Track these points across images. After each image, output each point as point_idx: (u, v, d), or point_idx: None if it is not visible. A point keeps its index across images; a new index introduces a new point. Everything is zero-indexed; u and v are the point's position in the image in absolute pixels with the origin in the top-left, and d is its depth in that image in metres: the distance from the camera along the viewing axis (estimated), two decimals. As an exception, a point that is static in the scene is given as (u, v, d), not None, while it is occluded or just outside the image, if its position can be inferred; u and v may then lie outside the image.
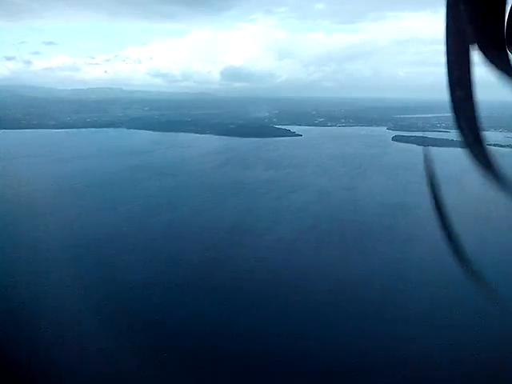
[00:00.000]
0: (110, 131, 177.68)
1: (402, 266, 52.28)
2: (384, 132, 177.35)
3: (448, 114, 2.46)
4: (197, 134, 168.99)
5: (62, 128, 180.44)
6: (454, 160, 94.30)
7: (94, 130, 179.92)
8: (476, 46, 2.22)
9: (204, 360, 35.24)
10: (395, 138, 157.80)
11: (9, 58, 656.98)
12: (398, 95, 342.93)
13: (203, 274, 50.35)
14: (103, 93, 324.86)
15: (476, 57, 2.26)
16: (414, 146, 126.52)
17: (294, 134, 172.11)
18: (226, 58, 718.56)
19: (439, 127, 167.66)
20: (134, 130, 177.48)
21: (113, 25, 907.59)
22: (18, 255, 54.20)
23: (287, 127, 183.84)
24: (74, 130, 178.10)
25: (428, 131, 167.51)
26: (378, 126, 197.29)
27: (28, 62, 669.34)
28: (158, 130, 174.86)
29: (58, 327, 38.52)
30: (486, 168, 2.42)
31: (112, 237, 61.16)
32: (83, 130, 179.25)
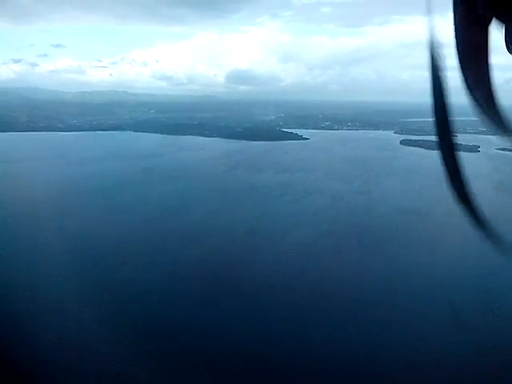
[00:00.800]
0: (118, 134, 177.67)
1: (425, 271, 51.96)
2: (391, 136, 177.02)
3: (455, 118, 2.46)
4: (204, 138, 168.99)
5: (69, 131, 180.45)
6: (464, 164, 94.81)
7: (101, 132, 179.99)
8: (492, 26, 2.19)
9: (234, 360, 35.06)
10: (403, 142, 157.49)
11: (16, 61, 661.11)
12: (403, 98, 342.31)
13: (226, 278, 50.06)
14: (108, 95, 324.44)
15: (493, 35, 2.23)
16: (423, 150, 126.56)
17: (301, 138, 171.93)
18: (231, 61, 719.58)
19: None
20: (141, 133, 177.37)
21: (119, 27, 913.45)
22: (38, 257, 54.07)
23: (294, 130, 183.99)
24: (82, 132, 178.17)
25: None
26: (384, 129, 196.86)
27: (34, 65, 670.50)
28: (165, 133, 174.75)
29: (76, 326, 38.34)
30: (502, 130, 2.37)
31: (131, 239, 60.93)
32: (90, 132, 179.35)
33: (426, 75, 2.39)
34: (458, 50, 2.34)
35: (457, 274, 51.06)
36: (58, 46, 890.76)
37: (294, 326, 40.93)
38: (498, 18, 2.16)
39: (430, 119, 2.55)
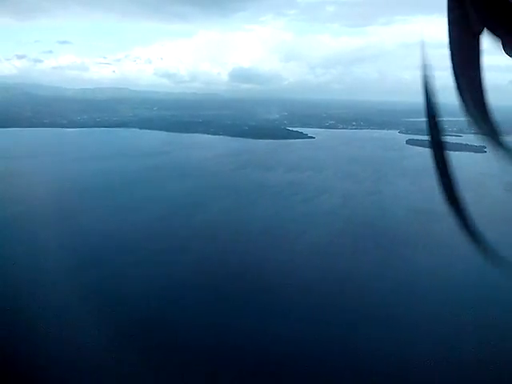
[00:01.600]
0: (123, 131, 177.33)
1: (441, 272, 51.91)
2: (396, 135, 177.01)
3: (459, 118, 2.57)
4: (210, 135, 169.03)
5: (73, 127, 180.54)
6: (467, 164, 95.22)
7: (106, 129, 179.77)
8: (484, 31, 2.23)
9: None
10: (409, 142, 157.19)
11: (19, 57, 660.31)
12: (404, 98, 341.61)
13: (245, 276, 49.95)
14: (111, 92, 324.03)
15: (484, 43, 2.27)
16: (430, 149, 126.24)
17: (306, 137, 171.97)
18: (234, 59, 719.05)
19: (451, 131, 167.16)
20: (147, 131, 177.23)
21: (123, 24, 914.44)
22: (53, 254, 53.93)
23: (299, 129, 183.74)
24: (86, 129, 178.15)
25: (449, 135, 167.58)
26: (389, 129, 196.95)
27: (38, 61, 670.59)
28: (170, 131, 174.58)
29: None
30: (492, 139, 2.42)
31: (149, 237, 60.76)
32: (95, 129, 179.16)
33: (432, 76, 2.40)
34: (451, 56, 2.35)
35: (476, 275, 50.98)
36: (64, 42, 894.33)
37: (317, 325, 40.86)
38: (487, 27, 2.18)
39: (443, 119, 2.54)
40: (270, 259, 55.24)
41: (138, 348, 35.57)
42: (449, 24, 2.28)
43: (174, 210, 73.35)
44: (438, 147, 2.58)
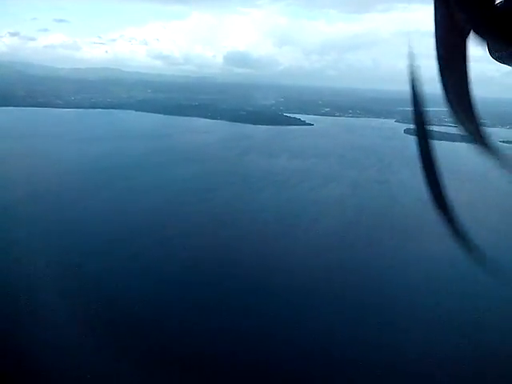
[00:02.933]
0: (120, 113, 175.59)
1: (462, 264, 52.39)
2: (394, 125, 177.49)
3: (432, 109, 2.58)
4: (208, 120, 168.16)
5: (68, 107, 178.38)
6: (463, 155, 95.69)
7: (102, 111, 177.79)
8: (472, 32, 2.17)
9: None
10: (408, 131, 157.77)
11: (12, 34, 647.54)
12: (399, 87, 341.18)
13: (260, 263, 50.05)
14: (103, 73, 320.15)
15: (471, 44, 2.23)
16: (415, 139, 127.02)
17: (304, 123, 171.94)
18: (228, 42, 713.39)
19: (447, 122, 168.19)
20: (144, 113, 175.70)
21: (120, 5, 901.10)
22: (68, 236, 53.64)
23: (296, 116, 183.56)
24: (82, 110, 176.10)
25: (436, 125, 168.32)
26: (385, 118, 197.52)
27: (32, 39, 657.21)
28: (167, 114, 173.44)
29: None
30: (480, 142, 2.38)
31: (161, 221, 60.53)
32: (91, 110, 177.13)
33: (421, 65, 2.36)
34: (437, 56, 2.32)
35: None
36: (61, 21, 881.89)
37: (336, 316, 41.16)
38: (473, 29, 2.14)
39: (429, 109, 2.52)
40: (284, 247, 55.29)
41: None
42: (435, 23, 2.23)
43: (185, 195, 73.02)
44: (423, 137, 2.52)
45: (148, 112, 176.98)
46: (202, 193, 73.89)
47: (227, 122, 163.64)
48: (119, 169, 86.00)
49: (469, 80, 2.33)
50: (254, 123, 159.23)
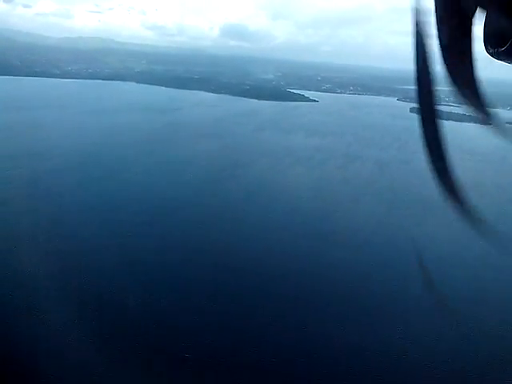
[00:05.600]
0: (121, 84, 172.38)
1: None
2: (397, 103, 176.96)
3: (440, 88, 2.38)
4: (212, 94, 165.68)
5: (66, 78, 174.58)
6: (468, 134, 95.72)
7: (102, 82, 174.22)
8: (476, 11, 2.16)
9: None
10: (413, 111, 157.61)
11: (6, 1, 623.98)
12: (391, 65, 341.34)
13: (307, 238, 49.34)
14: (94, 42, 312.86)
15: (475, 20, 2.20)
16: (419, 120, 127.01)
17: (309, 100, 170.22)
18: (221, 13, 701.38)
19: (448, 101, 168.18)
20: (145, 85, 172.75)
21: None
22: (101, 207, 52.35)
23: (300, 91, 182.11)
24: (81, 80, 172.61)
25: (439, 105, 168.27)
26: (387, 95, 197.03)
27: (27, 6, 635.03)
28: (169, 86, 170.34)
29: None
30: (479, 110, 2.34)
31: (199, 199, 59.31)
32: (91, 81, 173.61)
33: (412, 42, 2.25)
34: (440, 44, 2.23)
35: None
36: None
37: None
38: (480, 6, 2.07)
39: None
40: (330, 223, 54.78)
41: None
42: (436, 12, 2.15)
43: (215, 170, 71.44)
44: (430, 117, 2.39)
45: (149, 84, 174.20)
46: (232, 169, 72.51)
47: (231, 97, 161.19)
48: (141, 144, 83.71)
49: (474, 59, 2.26)
50: (258, 98, 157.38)
